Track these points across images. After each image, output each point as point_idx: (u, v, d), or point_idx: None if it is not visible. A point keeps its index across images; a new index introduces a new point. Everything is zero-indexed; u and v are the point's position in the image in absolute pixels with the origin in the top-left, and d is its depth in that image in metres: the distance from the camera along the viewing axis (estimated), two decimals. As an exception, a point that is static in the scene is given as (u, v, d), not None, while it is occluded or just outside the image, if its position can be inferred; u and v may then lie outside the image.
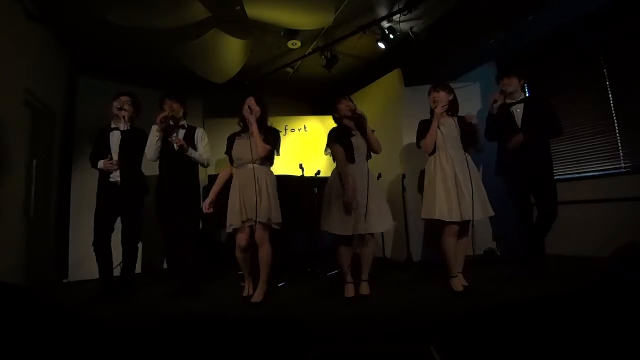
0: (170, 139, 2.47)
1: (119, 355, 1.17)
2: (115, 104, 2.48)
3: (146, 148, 2.50)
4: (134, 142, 2.48)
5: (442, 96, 2.34)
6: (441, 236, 2.29)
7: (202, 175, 3.92)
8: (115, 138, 2.50)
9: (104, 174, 2.49)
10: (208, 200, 2.34)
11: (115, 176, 2.46)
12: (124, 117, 2.42)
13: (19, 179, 2.65)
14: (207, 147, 2.68)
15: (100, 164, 2.47)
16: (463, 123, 2.35)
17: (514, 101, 2.60)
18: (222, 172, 2.47)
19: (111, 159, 2.45)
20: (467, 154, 2.34)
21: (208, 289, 2.69)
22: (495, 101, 2.53)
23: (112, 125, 2.55)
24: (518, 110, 2.60)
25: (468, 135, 2.33)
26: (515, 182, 2.61)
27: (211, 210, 2.33)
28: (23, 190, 2.75)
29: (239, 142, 2.34)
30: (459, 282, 2.25)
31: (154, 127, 2.47)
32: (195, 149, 2.60)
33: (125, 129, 2.44)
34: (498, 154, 2.73)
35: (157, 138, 2.46)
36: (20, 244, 2.68)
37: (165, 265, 3.64)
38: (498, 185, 2.98)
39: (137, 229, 2.56)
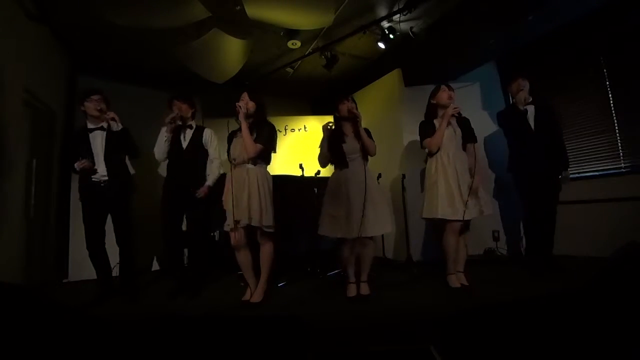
0: (196, 195, 2.50)
1: (119, 355, 1.17)
2: (94, 105, 2.39)
3: (155, 148, 2.52)
4: (119, 140, 2.46)
5: (454, 97, 2.39)
6: (442, 234, 2.32)
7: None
8: (98, 138, 2.43)
9: (85, 175, 2.41)
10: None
11: (99, 176, 2.39)
12: (98, 115, 2.38)
13: (19, 179, 2.64)
14: (217, 148, 2.64)
15: (76, 166, 2.33)
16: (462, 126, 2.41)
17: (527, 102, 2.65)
18: None
19: (91, 160, 2.37)
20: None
21: (208, 289, 2.69)
22: (526, 98, 2.59)
23: (91, 126, 2.45)
24: (529, 112, 2.64)
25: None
26: (525, 180, 2.65)
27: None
28: (23, 190, 2.75)
29: (234, 141, 2.30)
30: (455, 280, 2.29)
31: (163, 129, 2.49)
32: (204, 149, 2.60)
33: (117, 128, 2.40)
34: (510, 152, 2.78)
35: (165, 139, 2.47)
36: (20, 244, 2.68)
37: (162, 265, 3.65)
38: (500, 183, 2.99)
39: (128, 227, 2.52)
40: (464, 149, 2.40)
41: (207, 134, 2.64)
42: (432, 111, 2.48)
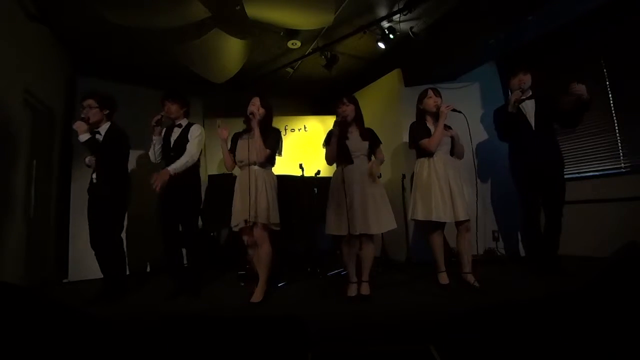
0: (152, 183, 2.28)
1: (118, 355, 1.17)
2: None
3: (149, 151, 2.56)
4: (102, 144, 2.44)
5: (440, 102, 2.43)
6: (431, 235, 2.45)
7: (202, 175, 3.94)
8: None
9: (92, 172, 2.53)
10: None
11: (94, 177, 2.49)
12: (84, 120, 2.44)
13: (19, 179, 2.64)
14: (196, 139, 2.52)
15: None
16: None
17: (525, 97, 2.62)
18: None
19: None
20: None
21: (208, 289, 2.68)
22: (516, 100, 2.56)
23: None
24: (529, 107, 2.60)
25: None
26: (525, 183, 2.63)
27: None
28: (23, 190, 2.75)
29: (240, 143, 2.35)
30: (445, 277, 2.41)
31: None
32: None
33: (81, 139, 2.41)
34: (510, 154, 2.75)
35: (154, 141, 2.49)
36: (20, 243, 2.68)
37: (162, 266, 3.64)
38: (499, 183, 2.97)
39: (111, 231, 2.46)
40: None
41: (192, 129, 2.55)
42: (421, 114, 2.53)
